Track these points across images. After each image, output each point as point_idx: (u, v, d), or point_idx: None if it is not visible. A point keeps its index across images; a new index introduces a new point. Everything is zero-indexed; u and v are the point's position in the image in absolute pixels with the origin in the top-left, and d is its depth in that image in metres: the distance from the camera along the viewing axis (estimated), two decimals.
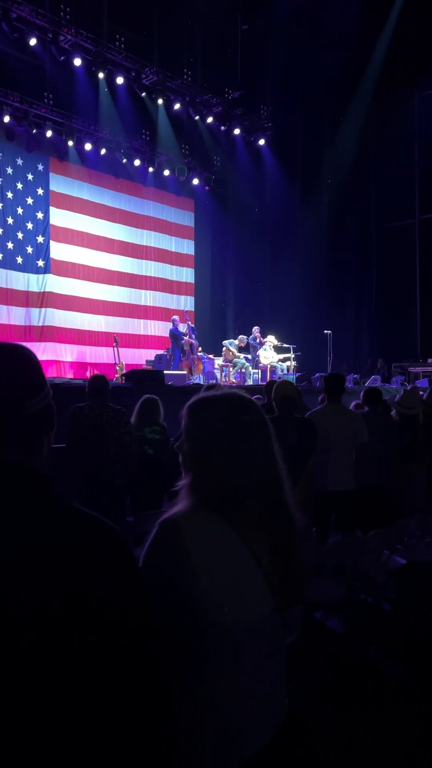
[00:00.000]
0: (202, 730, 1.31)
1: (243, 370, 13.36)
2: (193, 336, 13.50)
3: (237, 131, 16.02)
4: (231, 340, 13.94)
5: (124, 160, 14.69)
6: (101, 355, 14.62)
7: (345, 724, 3.07)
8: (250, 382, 13.04)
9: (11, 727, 0.91)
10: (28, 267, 13.46)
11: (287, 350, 13.99)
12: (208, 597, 1.29)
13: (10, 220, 13.10)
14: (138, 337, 15.96)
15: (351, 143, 17.50)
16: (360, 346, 18.77)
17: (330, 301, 18.23)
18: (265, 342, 13.90)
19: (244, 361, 13.53)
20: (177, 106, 14.75)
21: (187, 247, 17.61)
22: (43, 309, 13.70)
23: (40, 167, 13.77)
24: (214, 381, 12.21)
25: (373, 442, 4.87)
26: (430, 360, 15.19)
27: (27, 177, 13.50)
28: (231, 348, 13.50)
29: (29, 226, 13.49)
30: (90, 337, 14.70)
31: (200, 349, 13.61)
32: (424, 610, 4.33)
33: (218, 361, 13.73)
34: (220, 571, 1.32)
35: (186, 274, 17.62)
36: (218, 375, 13.41)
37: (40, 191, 13.74)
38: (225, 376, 13.30)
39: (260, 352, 13.76)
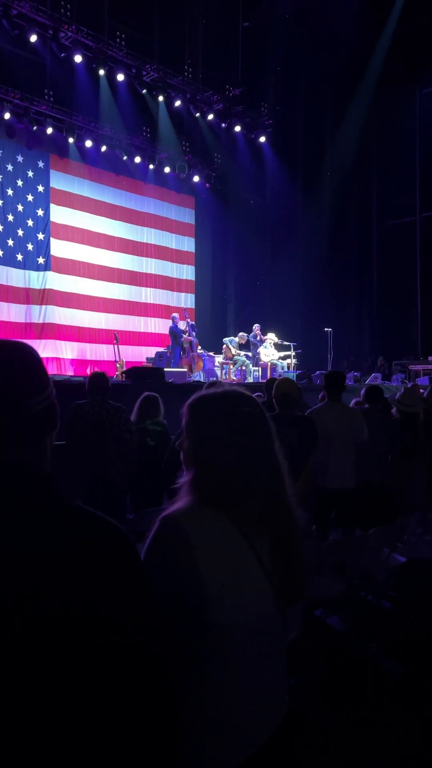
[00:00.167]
0: (203, 728, 1.31)
1: (243, 368, 13.36)
2: (193, 334, 13.49)
3: (238, 128, 15.98)
4: (231, 338, 13.95)
5: (125, 157, 14.67)
6: (101, 352, 14.62)
7: (344, 722, 3.08)
8: (250, 380, 13.04)
9: (15, 722, 0.90)
10: (29, 264, 13.46)
11: (288, 348, 14.00)
12: (209, 594, 1.29)
13: (10, 217, 13.09)
14: (138, 335, 15.96)
15: (352, 140, 17.49)
16: (360, 343, 18.76)
17: (330, 299, 18.21)
18: (265, 339, 13.90)
19: (244, 358, 13.53)
20: (178, 103, 14.73)
21: (187, 244, 17.60)
22: (44, 306, 13.71)
23: (41, 164, 13.77)
24: (215, 379, 12.20)
25: (373, 439, 4.87)
26: (430, 358, 15.19)
27: (27, 174, 13.49)
28: (231, 346, 13.50)
29: (30, 223, 13.49)
30: (90, 334, 14.70)
31: (200, 346, 13.61)
32: (424, 608, 4.34)
33: (218, 359, 13.73)
34: (222, 568, 1.32)
35: (186, 272, 17.61)
36: (218, 372, 13.41)
37: (40, 188, 13.73)
38: (225, 373, 13.30)
39: (261, 349, 13.77)
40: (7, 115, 12.33)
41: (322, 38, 15.44)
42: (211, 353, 13.96)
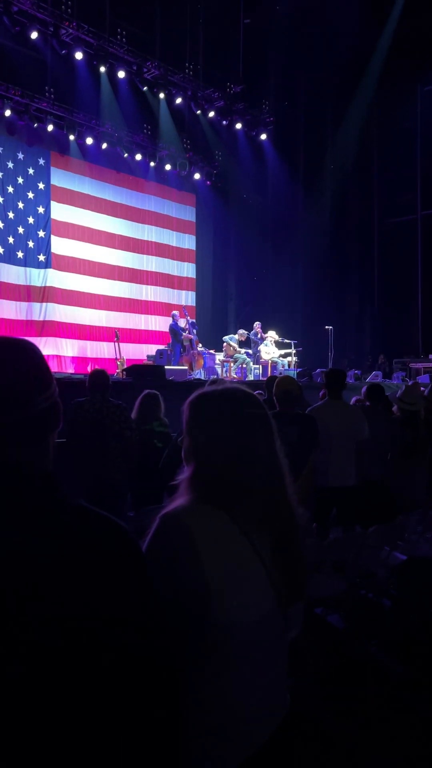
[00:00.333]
0: (205, 725, 1.31)
1: (244, 366, 13.35)
2: (194, 331, 13.48)
3: (239, 126, 15.96)
4: (231, 336, 13.93)
5: (126, 155, 14.64)
6: (102, 350, 14.61)
7: (345, 721, 3.08)
8: (251, 378, 13.03)
9: (15, 723, 0.90)
10: (29, 261, 13.44)
11: (288, 345, 13.99)
12: (210, 592, 1.29)
13: (11, 215, 13.07)
14: (139, 332, 15.94)
15: (353, 138, 17.48)
16: (361, 341, 18.76)
17: (331, 297, 18.21)
18: (266, 337, 13.89)
19: (245, 356, 13.52)
20: (178, 101, 14.71)
21: (188, 242, 17.58)
22: (44, 303, 13.70)
23: (41, 161, 13.75)
24: (216, 376, 12.18)
25: (374, 437, 4.87)
26: (431, 356, 15.18)
27: (28, 171, 13.47)
28: (231, 343, 13.48)
29: (30, 220, 13.47)
30: (91, 332, 14.69)
31: (200, 344, 13.60)
32: (424, 606, 4.33)
33: (219, 357, 13.72)
34: (224, 566, 1.31)
35: (187, 269, 17.59)
36: (219, 370, 13.40)
37: (41, 185, 13.71)
38: (226, 371, 13.29)
39: (261, 347, 13.76)
40: (7, 112, 12.32)
41: (323, 36, 15.44)
42: (212, 351, 13.95)
